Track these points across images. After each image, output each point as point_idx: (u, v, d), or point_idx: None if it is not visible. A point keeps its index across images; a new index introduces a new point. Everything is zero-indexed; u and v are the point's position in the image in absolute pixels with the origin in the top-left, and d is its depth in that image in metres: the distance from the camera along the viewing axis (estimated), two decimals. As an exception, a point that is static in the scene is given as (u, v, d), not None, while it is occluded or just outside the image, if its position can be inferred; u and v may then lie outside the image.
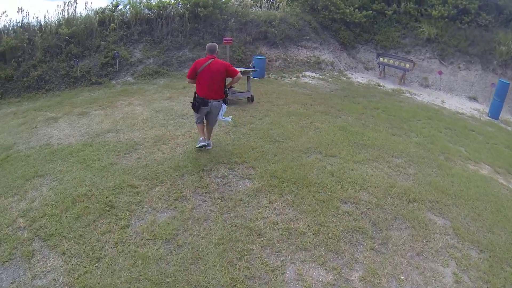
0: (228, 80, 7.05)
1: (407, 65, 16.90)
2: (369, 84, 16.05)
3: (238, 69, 8.10)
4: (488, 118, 13.84)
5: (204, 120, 7.06)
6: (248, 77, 10.39)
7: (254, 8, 17.05)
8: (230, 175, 6.34)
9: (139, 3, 15.14)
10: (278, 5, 17.79)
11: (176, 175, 6.23)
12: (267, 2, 17.54)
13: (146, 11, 15.35)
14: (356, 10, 18.33)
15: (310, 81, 14.71)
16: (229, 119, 7.29)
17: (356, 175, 6.75)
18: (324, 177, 6.52)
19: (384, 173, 7.00)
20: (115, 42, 14.20)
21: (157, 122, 8.70)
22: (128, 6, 15.25)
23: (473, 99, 16.51)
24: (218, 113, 6.92)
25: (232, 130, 8.33)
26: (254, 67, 13.91)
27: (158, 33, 14.96)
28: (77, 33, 13.93)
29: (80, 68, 13.19)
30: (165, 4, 15.21)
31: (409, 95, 15.32)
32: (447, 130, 10.59)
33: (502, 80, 14.39)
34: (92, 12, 15.05)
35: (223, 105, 6.92)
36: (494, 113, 14.03)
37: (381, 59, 17.60)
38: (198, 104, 6.68)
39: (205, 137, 7.13)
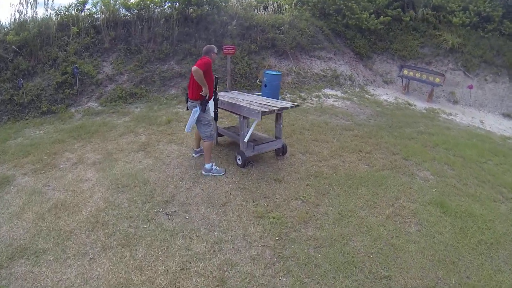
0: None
1: (437, 79, 12.47)
2: (399, 103, 11.55)
3: (279, 103, 5.71)
4: (534, 141, 10.55)
5: None
6: (278, 116, 5.59)
7: (257, 10, 12.14)
8: None
9: (114, 1, 10.07)
10: (285, 8, 12.83)
11: None
12: (273, 3, 12.61)
13: (124, 11, 10.29)
14: (373, 15, 13.66)
15: (335, 102, 10.03)
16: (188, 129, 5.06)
17: None
18: None
19: None
20: (77, 53, 9.15)
21: (116, 229, 3.84)
22: (99, 4, 10.15)
23: (508, 116, 12.73)
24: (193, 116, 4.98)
25: (278, 253, 3.55)
26: (266, 85, 9.13)
27: (137, 40, 9.91)
28: (29, 40, 8.91)
29: (27, 91, 8.17)
30: (147, 2, 10.17)
31: (446, 116, 11.28)
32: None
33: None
34: (53, 13, 9.97)
35: (197, 108, 4.95)
36: (540, 135, 10.60)
37: (405, 71, 13.04)
38: (186, 99, 5.22)
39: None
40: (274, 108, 5.10)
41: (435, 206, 4.74)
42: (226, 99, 5.67)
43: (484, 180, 6.00)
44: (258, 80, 10.34)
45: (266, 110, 4.95)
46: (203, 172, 5.13)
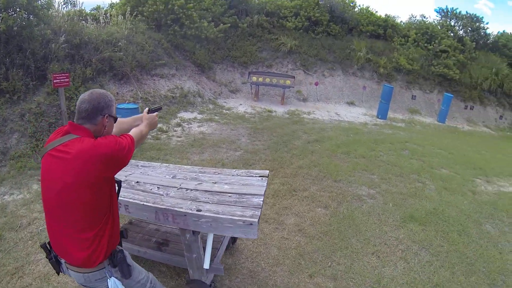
0: None
1: (288, 81, 12.63)
2: (259, 112, 11.20)
3: (246, 186, 3.01)
4: (383, 120, 12.81)
5: None
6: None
7: (85, 22, 9.81)
8: None
9: None
10: (119, 20, 10.75)
11: None
12: (104, 14, 10.43)
13: None
14: (212, 23, 12.97)
15: (202, 128, 8.70)
16: None
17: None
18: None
19: None
20: None
21: None
22: None
23: (352, 103, 14.63)
24: None
25: None
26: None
27: None
28: None
29: None
30: None
31: (308, 116, 11.85)
32: (404, 152, 8.23)
33: (386, 85, 13.21)
34: None
35: (112, 280, 1.81)
36: (383, 114, 13.05)
37: (254, 78, 12.71)
38: (52, 263, 1.92)
39: None
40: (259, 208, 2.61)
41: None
42: (132, 198, 2.75)
43: (401, 174, 6.50)
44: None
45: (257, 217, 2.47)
46: None
